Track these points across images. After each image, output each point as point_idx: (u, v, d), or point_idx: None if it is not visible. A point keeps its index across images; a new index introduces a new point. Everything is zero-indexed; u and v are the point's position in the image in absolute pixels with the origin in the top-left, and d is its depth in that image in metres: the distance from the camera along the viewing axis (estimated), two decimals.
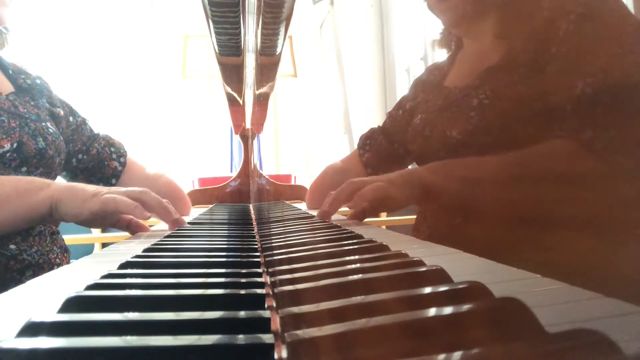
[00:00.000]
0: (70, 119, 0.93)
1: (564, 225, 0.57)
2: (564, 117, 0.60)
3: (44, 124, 0.82)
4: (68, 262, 0.85)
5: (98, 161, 0.95)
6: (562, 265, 0.46)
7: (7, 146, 0.74)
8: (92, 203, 0.62)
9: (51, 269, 0.77)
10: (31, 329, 0.20)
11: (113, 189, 0.66)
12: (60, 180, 0.95)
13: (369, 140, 0.99)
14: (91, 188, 0.65)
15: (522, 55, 0.67)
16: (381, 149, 0.97)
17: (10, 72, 0.86)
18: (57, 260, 0.81)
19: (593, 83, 0.56)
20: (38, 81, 0.89)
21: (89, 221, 0.65)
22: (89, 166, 0.95)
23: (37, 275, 0.37)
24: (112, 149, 0.97)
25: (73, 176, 0.95)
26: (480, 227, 0.65)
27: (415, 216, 0.88)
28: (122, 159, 0.97)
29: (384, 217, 2.10)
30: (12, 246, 0.73)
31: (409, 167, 1.02)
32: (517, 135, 0.64)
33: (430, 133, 0.78)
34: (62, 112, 0.91)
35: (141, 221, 0.69)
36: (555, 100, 0.60)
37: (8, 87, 0.84)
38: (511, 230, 0.61)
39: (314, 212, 0.81)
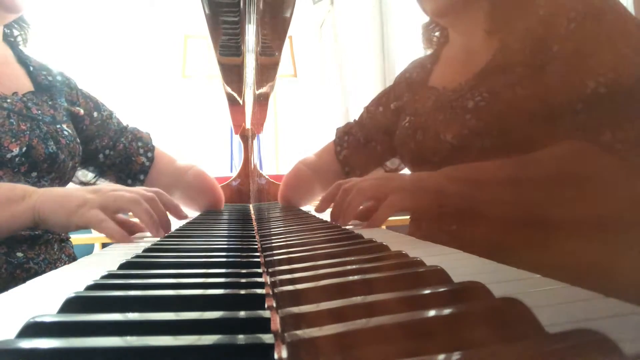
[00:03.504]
0: (95, 114, 0.91)
1: (587, 227, 0.55)
2: (574, 118, 0.58)
3: (58, 126, 0.79)
4: None
5: (125, 157, 0.93)
6: (589, 271, 0.45)
7: (16, 150, 0.72)
8: (78, 218, 0.59)
9: None
10: (31, 329, 0.20)
11: (105, 189, 0.62)
12: (80, 178, 0.94)
13: (347, 137, 0.96)
14: (78, 196, 0.61)
15: (517, 53, 0.65)
16: (359, 146, 0.94)
17: (32, 69, 0.84)
18: None
19: (606, 82, 0.55)
20: (59, 78, 0.87)
21: (78, 230, 0.62)
22: (116, 162, 0.93)
23: None
24: (140, 144, 0.95)
25: (101, 172, 0.94)
26: (488, 232, 0.63)
27: None
28: (149, 154, 0.95)
29: None
30: (19, 254, 0.71)
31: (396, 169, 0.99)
32: (517, 138, 0.62)
33: (422, 137, 0.75)
34: (82, 112, 0.88)
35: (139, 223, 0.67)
36: (561, 101, 0.59)
37: (27, 86, 0.81)
38: (530, 234, 0.58)
39: (314, 213, 0.81)
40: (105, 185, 0.64)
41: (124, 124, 0.97)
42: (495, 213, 0.62)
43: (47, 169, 0.76)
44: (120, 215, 0.65)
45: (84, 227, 0.59)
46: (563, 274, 0.28)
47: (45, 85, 0.84)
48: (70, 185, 0.88)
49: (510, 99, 0.64)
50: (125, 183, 0.94)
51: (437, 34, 0.87)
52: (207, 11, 0.44)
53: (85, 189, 0.63)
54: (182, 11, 2.87)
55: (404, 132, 0.81)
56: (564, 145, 0.59)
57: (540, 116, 0.61)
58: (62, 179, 0.82)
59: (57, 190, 0.63)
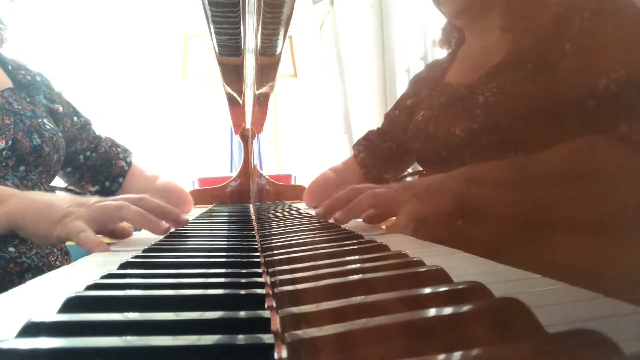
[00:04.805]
0: (75, 118, 0.93)
1: (604, 226, 0.54)
2: (587, 113, 0.58)
3: (40, 120, 0.81)
4: None
5: (106, 160, 0.96)
6: (601, 272, 0.45)
7: (2, 144, 0.73)
8: (60, 230, 0.55)
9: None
10: (31, 329, 0.20)
11: (91, 201, 0.59)
12: (58, 181, 0.94)
13: (364, 141, 1.00)
14: (62, 206, 0.57)
15: (530, 51, 0.66)
16: (375, 148, 0.98)
17: (10, 67, 0.85)
18: (57, 262, 0.80)
19: (618, 79, 0.55)
20: (38, 78, 0.88)
21: (60, 242, 0.59)
22: (97, 164, 0.95)
23: None
24: (119, 149, 0.99)
25: (81, 173, 0.95)
26: (494, 226, 0.63)
27: None
28: (128, 159, 0.99)
29: None
30: (11, 249, 0.72)
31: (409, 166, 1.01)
32: (526, 134, 0.63)
33: (433, 130, 0.76)
34: (61, 109, 0.90)
35: (124, 226, 0.66)
36: (572, 98, 0.59)
37: (6, 83, 0.83)
38: (541, 232, 0.57)
39: (314, 212, 0.81)
40: (90, 198, 0.61)
41: (98, 134, 0.99)
42: (510, 213, 0.61)
43: (33, 162, 0.77)
44: (120, 225, 0.62)
45: (65, 239, 0.56)
46: (574, 275, 0.28)
47: (24, 83, 0.85)
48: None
49: (521, 95, 0.64)
50: (103, 185, 0.96)
51: (454, 34, 0.88)
52: (206, 11, 0.44)
53: (71, 200, 0.60)
54: (182, 11, 2.87)
55: (416, 125, 0.82)
56: (579, 142, 0.58)
57: (550, 113, 0.61)
58: (49, 173, 0.83)
59: (40, 197, 0.60)
